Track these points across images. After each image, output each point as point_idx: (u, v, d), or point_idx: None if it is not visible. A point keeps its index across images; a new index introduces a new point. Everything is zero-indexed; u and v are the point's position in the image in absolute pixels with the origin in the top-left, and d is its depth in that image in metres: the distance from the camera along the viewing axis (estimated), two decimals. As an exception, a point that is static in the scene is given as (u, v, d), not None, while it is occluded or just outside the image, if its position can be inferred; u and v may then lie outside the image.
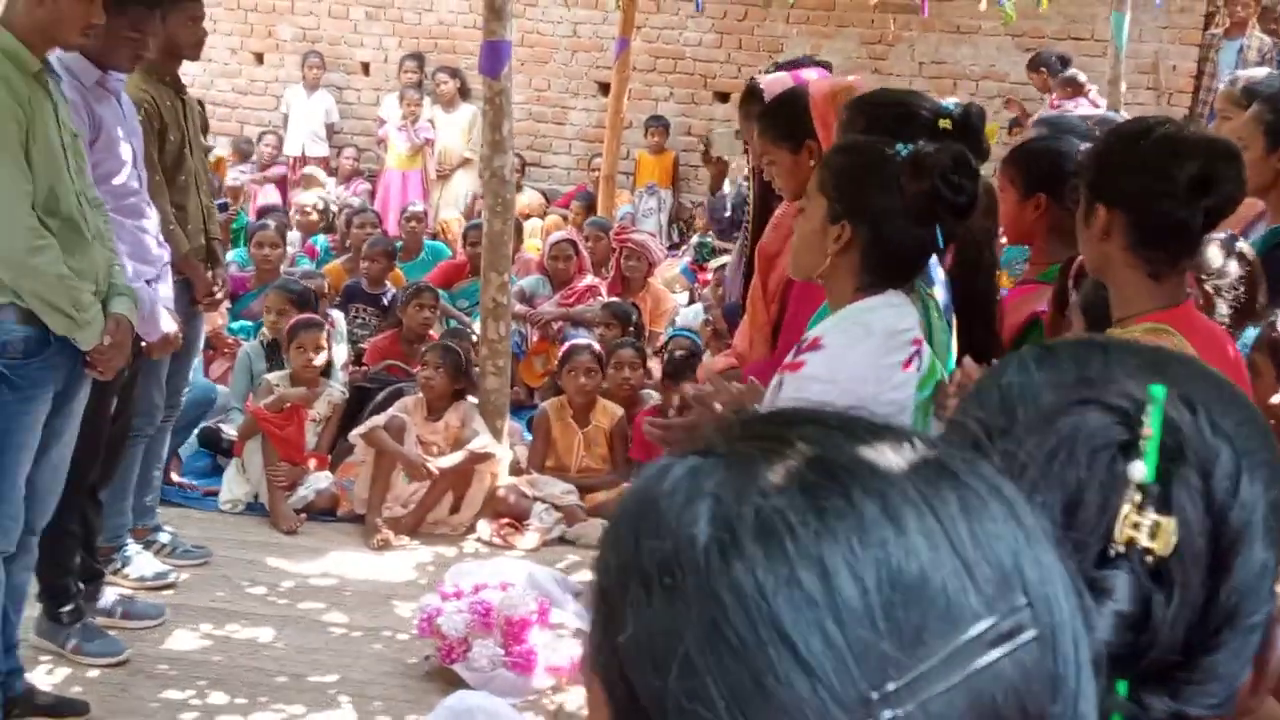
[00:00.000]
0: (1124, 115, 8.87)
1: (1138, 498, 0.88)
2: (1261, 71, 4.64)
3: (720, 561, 0.67)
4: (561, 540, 6.23)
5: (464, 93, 12.61)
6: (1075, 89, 10.01)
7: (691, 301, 9.58)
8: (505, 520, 6.26)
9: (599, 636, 0.74)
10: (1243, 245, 3.11)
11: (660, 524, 0.71)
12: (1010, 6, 10.00)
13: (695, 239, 11.64)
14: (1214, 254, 2.96)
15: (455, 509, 6.33)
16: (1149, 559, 0.88)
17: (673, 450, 0.75)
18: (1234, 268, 3.00)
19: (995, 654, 0.66)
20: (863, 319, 2.54)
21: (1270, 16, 10.75)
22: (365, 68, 13.98)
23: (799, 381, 2.47)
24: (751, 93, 3.87)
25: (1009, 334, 3.20)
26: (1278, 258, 3.41)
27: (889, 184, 2.51)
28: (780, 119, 3.63)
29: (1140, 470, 0.88)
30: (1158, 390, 0.91)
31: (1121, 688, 0.88)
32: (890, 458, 0.71)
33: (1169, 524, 0.88)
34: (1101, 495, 0.90)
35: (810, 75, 3.80)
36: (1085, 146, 3.51)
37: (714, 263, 9.83)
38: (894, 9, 12.04)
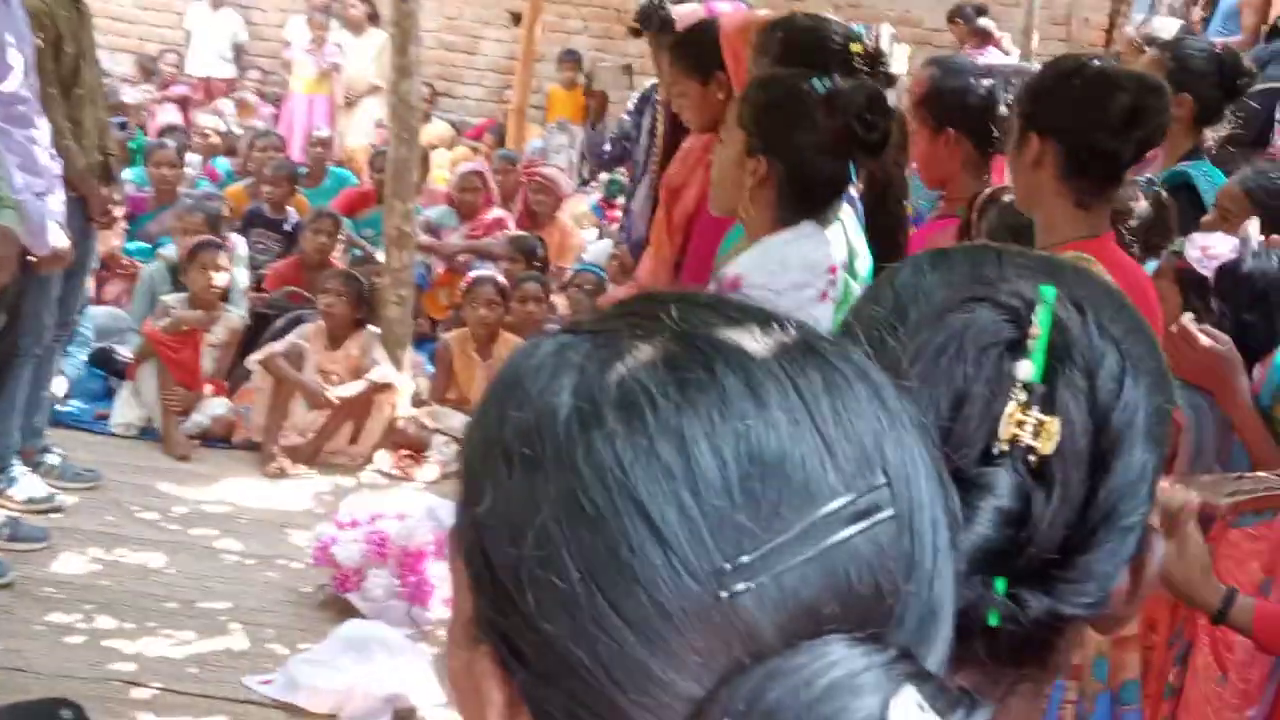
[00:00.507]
0: (1035, 65, 8.94)
1: (1023, 396, 0.89)
2: (1170, 23, 4.70)
3: (580, 432, 0.67)
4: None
5: (373, 18, 12.38)
6: (984, 38, 10.04)
7: (601, 238, 9.53)
8: (405, 452, 6.22)
9: (460, 513, 0.74)
10: (1157, 186, 3.22)
11: (524, 397, 0.71)
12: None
13: (605, 176, 11.58)
14: (1128, 194, 3.04)
15: (354, 439, 6.27)
16: (1031, 458, 0.88)
17: None
18: (1144, 207, 3.11)
19: (851, 530, 0.66)
20: (779, 254, 2.58)
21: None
22: (272, -13, 13.69)
23: None
24: (663, 23, 3.83)
25: None
26: (1177, 198, 3.52)
27: (805, 120, 2.56)
28: (691, 50, 3.61)
29: (1027, 369, 0.89)
30: (1048, 291, 0.91)
31: (1000, 585, 0.88)
32: (757, 336, 0.71)
33: (1053, 423, 0.88)
34: (987, 392, 0.90)
35: (723, 7, 3.76)
36: (990, 82, 3.56)
37: (624, 199, 9.79)
38: (811, -54, 11.99)
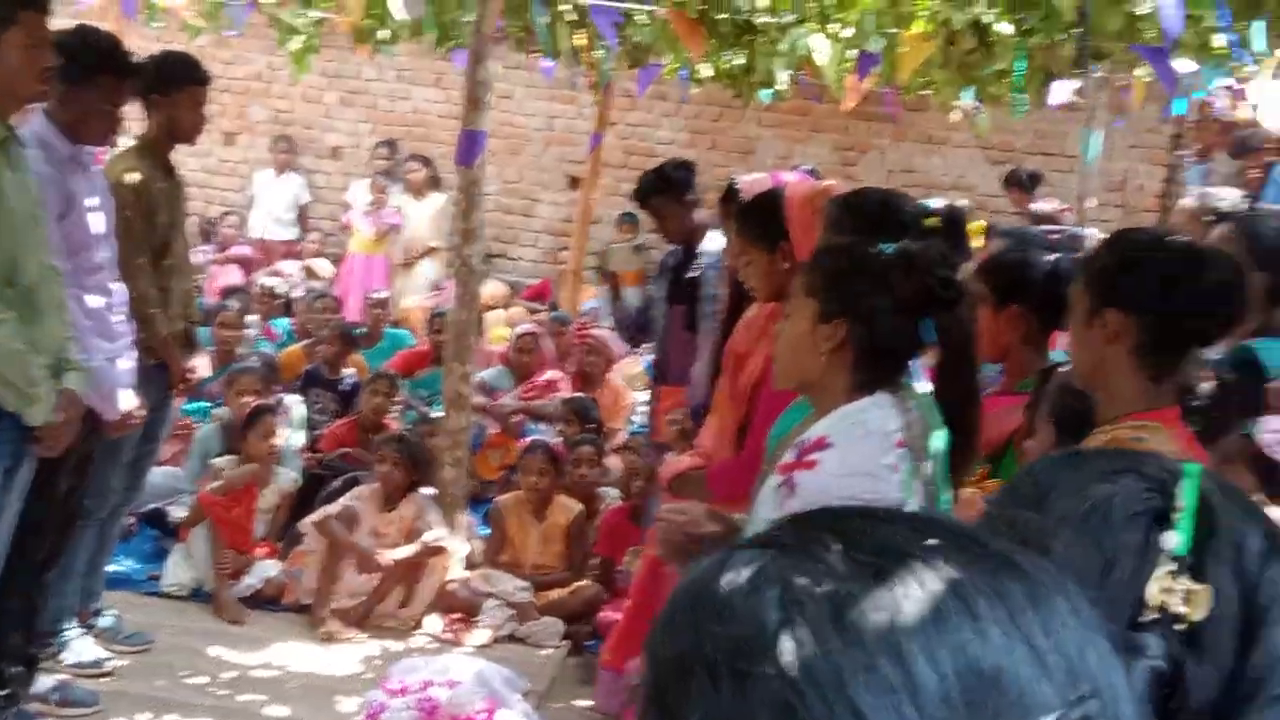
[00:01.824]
0: (1092, 231, 8.95)
1: (1172, 565, 0.92)
2: (1230, 193, 4.67)
3: (794, 646, 0.67)
4: (513, 638, 6.09)
5: (434, 181, 12.60)
6: (1045, 221, 10.20)
7: (654, 399, 9.51)
8: (456, 615, 6.14)
9: None
10: (1224, 365, 3.16)
11: (726, 611, 0.70)
12: (983, 119, 10.11)
13: (660, 337, 11.61)
14: (1194, 372, 2.98)
15: (405, 602, 6.20)
16: (1181, 625, 0.91)
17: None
18: (1209, 385, 3.04)
19: None
20: (859, 418, 2.54)
21: (1237, 145, 10.91)
22: (335, 152, 13.99)
23: (815, 478, 2.46)
24: (730, 192, 3.85)
25: (989, 447, 3.14)
26: (1242, 375, 3.45)
27: (879, 281, 2.54)
28: (757, 219, 3.61)
29: (1174, 539, 0.93)
30: (1192, 466, 0.97)
31: None
32: (953, 548, 0.71)
33: (1205, 591, 0.92)
34: (1136, 561, 0.93)
35: (789, 177, 3.78)
36: (1053, 257, 3.52)
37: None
38: (866, 117, 12.15)
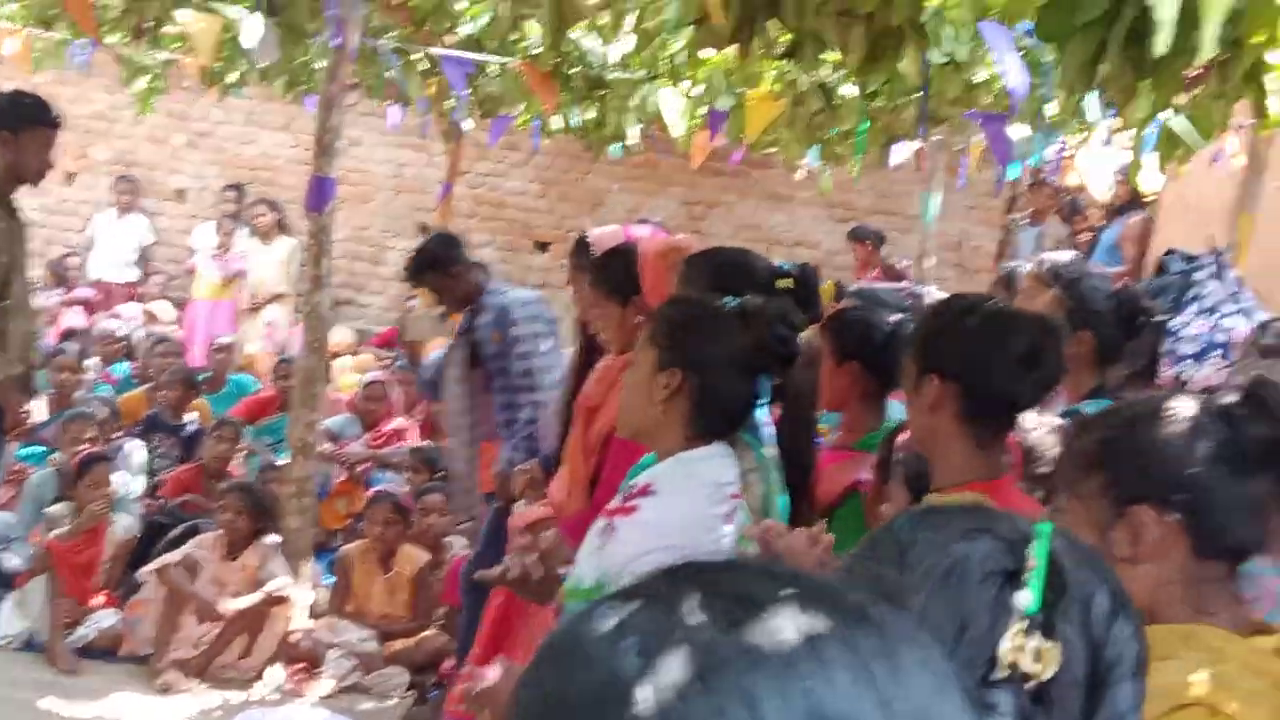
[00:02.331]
0: (930, 289, 9.22)
1: (1022, 624, 0.95)
2: (1068, 255, 4.87)
3: (649, 694, 0.68)
4: (357, 688, 6.03)
5: (282, 226, 12.47)
6: (895, 276, 10.52)
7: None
8: (299, 665, 6.06)
9: None
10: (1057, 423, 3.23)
11: (587, 660, 0.72)
12: (827, 179, 10.35)
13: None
14: (1042, 438, 3.06)
15: (247, 653, 6.09)
16: (1030, 682, 0.94)
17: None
18: (1054, 448, 3.08)
19: None
20: (691, 467, 2.58)
21: (1067, 209, 11.35)
22: (180, 194, 13.77)
23: (632, 526, 2.49)
24: (581, 245, 3.90)
25: (825, 499, 3.21)
26: None
27: (717, 334, 2.60)
28: (610, 273, 3.66)
29: (1026, 598, 0.96)
30: (1043, 526, 1.00)
31: None
32: (812, 599, 0.73)
33: (1053, 650, 0.95)
34: (990, 618, 0.96)
35: (641, 232, 3.85)
36: (897, 317, 3.63)
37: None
38: (714, 173, 12.36)
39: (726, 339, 2.59)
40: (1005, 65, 4.42)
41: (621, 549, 2.46)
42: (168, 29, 8.09)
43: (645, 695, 0.68)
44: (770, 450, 2.80)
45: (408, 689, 6.03)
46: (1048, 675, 0.95)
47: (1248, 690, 1.56)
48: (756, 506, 2.75)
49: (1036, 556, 0.98)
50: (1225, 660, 1.61)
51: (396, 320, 12.50)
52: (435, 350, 6.13)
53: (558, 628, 0.77)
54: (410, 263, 6.01)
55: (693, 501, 2.53)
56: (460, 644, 5.70)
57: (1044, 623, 0.96)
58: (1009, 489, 2.57)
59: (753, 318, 2.61)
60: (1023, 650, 0.94)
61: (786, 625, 0.70)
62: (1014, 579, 0.98)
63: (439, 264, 5.90)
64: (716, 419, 2.63)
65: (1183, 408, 1.77)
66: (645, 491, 2.55)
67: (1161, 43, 2.05)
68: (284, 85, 9.36)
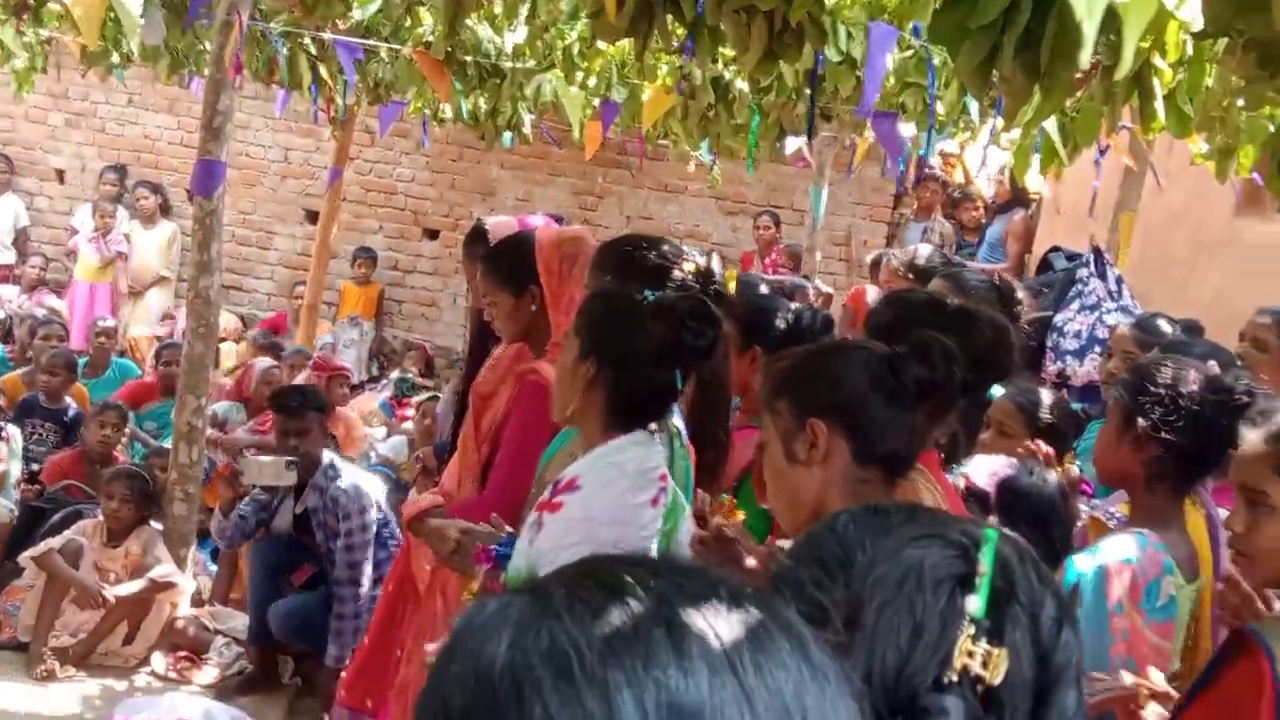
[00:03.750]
0: (816, 281, 9.35)
1: (972, 630, 0.97)
2: (926, 249, 5.02)
3: (511, 684, 0.71)
4: (241, 675, 5.97)
5: (165, 209, 12.28)
6: (795, 259, 10.68)
7: (389, 436, 9.47)
8: (183, 653, 5.99)
9: None
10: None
11: (464, 651, 0.75)
12: (717, 171, 10.43)
13: (396, 374, 11.57)
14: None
15: (129, 640, 6.01)
16: (980, 686, 0.96)
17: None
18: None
19: None
20: (615, 459, 2.63)
21: (955, 205, 11.56)
22: (60, 175, 13.48)
23: (557, 521, 2.53)
24: (477, 233, 3.90)
25: (730, 474, 3.32)
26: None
27: (635, 327, 2.64)
28: (505, 263, 3.67)
29: (974, 604, 0.98)
30: (991, 531, 1.02)
31: None
32: (684, 591, 0.75)
33: (1001, 655, 0.97)
34: (941, 623, 0.98)
35: (536, 222, 3.86)
36: (797, 306, 3.72)
37: (417, 398, 9.80)
38: (606, 163, 12.40)
39: (643, 332, 2.64)
40: (874, 67, 4.47)
41: (548, 543, 2.51)
42: (51, 5, 7.91)
43: (506, 686, 0.71)
44: (678, 420, 2.86)
45: (292, 676, 5.99)
46: (997, 680, 0.97)
47: None
48: (682, 483, 2.82)
49: (985, 561, 1.00)
50: None
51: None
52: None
53: (459, 618, 0.80)
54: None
55: (616, 493, 2.58)
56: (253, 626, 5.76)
57: (992, 628, 0.99)
58: (935, 462, 2.71)
59: (668, 311, 2.65)
60: (973, 655, 0.96)
61: (649, 617, 0.73)
62: (965, 584, 1.00)
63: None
64: (632, 410, 2.68)
65: (856, 349, 2.31)
66: (571, 486, 2.59)
67: (1087, 56, 2.12)
68: (168, 67, 9.19)
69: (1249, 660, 1.97)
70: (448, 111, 9.82)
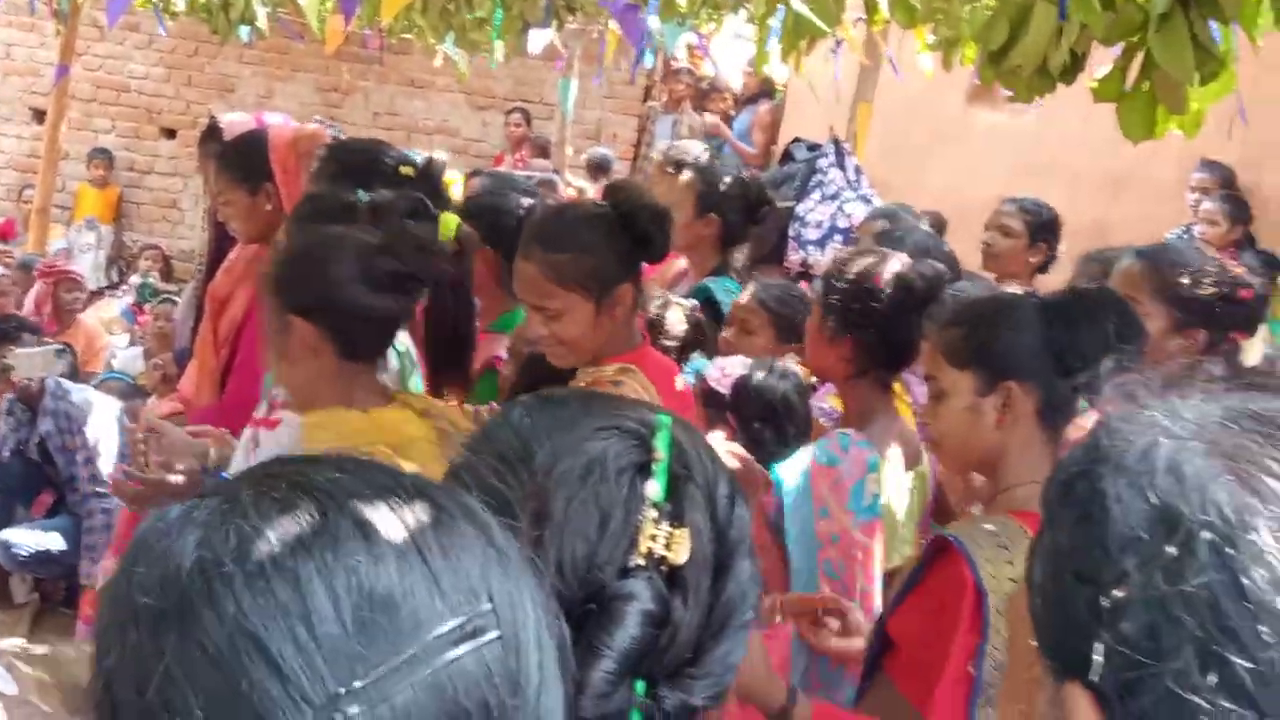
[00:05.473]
0: (566, 175, 9.34)
1: (654, 513, 1.01)
2: (695, 145, 5.04)
3: (201, 581, 0.71)
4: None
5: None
6: (544, 153, 10.65)
7: (132, 344, 9.16)
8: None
9: (90, 677, 0.75)
10: (685, 303, 3.46)
11: (150, 555, 0.74)
12: (464, 65, 10.26)
13: (136, 279, 11.16)
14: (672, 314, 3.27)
15: None
16: (664, 567, 1.00)
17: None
18: (682, 324, 3.45)
19: (458, 651, 0.72)
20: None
21: (704, 97, 11.65)
22: None
23: (275, 438, 2.47)
24: (211, 131, 3.76)
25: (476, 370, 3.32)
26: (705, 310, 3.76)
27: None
28: (240, 160, 3.55)
29: (654, 488, 1.01)
30: (664, 418, 1.06)
31: (640, 686, 0.99)
32: (370, 484, 0.77)
33: (682, 535, 1.01)
34: (625, 511, 1.02)
35: (274, 119, 3.74)
36: (528, 202, 3.69)
37: (155, 303, 9.49)
38: (349, 58, 12.07)
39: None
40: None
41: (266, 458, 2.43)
42: None
43: (199, 585, 0.71)
44: (403, 340, 2.81)
45: (32, 592, 5.82)
46: (681, 560, 1.00)
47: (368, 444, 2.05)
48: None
49: (661, 446, 1.03)
50: (358, 431, 2.22)
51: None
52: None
53: (138, 530, 0.79)
54: None
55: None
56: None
57: (673, 511, 1.02)
58: (651, 353, 2.77)
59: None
60: (656, 538, 1.00)
61: (335, 509, 0.74)
62: (644, 471, 1.03)
63: None
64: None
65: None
66: (288, 404, 2.52)
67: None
68: None
69: (951, 563, 2.08)
70: (180, 4, 9.40)
